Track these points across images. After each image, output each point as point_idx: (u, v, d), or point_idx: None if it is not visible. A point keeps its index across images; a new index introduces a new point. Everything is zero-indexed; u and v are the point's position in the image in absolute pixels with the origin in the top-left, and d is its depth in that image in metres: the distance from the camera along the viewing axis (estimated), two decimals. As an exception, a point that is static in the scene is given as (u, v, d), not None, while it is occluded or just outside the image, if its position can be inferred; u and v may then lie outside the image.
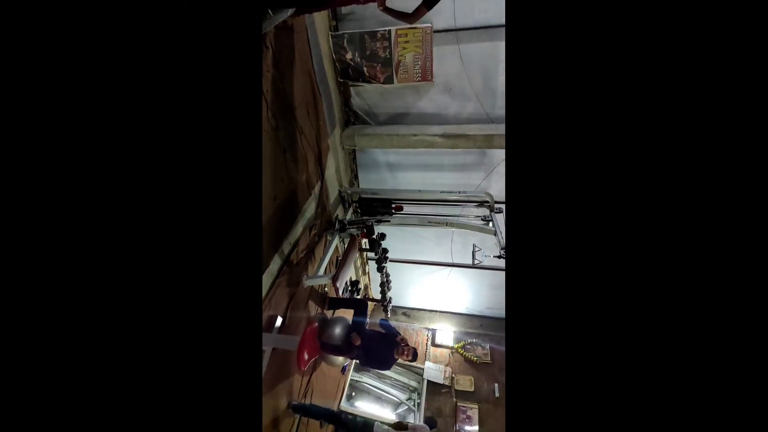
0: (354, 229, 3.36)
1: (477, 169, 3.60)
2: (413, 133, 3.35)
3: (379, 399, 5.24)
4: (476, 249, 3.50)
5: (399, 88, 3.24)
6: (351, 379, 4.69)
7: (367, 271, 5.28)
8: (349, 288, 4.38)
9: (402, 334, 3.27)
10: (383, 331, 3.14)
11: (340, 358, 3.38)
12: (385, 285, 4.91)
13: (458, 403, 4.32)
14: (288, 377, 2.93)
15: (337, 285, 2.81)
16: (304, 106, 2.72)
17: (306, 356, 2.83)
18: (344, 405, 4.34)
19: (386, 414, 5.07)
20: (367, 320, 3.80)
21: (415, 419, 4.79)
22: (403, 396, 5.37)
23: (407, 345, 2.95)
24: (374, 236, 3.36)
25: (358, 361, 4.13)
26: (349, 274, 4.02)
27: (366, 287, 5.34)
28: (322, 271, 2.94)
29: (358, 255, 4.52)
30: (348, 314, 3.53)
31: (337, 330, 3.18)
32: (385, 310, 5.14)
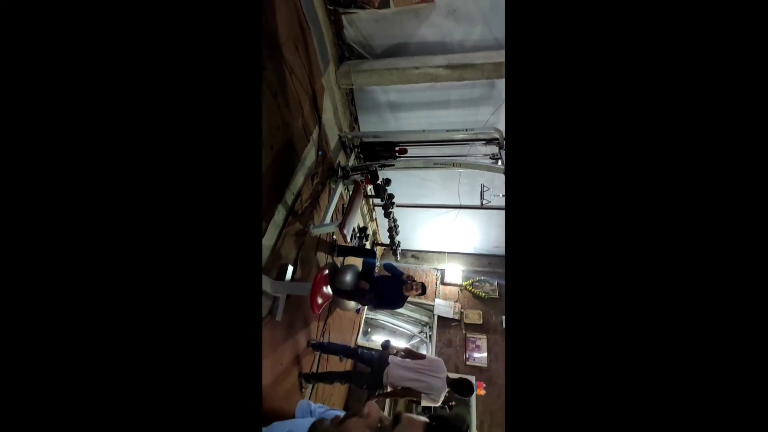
0: (358, 176, 3.26)
1: (485, 104, 3.35)
2: (415, 65, 3.06)
3: (394, 333, 5.62)
4: (485, 189, 3.40)
5: (396, 14, 2.89)
6: (366, 317, 4.96)
7: (374, 217, 5.29)
8: (357, 235, 4.41)
9: (407, 273, 3.37)
10: (389, 275, 3.25)
11: (353, 303, 3.53)
12: (393, 230, 4.93)
13: (467, 335, 4.58)
14: (305, 320, 3.09)
15: (344, 232, 2.80)
16: (291, 42, 2.46)
17: (319, 300, 2.94)
18: (361, 340, 4.66)
19: (401, 345, 5.48)
20: (376, 265, 3.89)
21: (428, 350, 5.14)
22: (415, 330, 5.74)
23: (414, 281, 3.01)
24: (379, 182, 3.27)
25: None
26: (356, 221, 4.01)
27: (374, 233, 5.39)
28: (328, 219, 2.92)
29: (363, 201, 4.48)
30: (358, 262, 3.60)
31: (347, 277, 3.27)
32: (395, 254, 5.24)
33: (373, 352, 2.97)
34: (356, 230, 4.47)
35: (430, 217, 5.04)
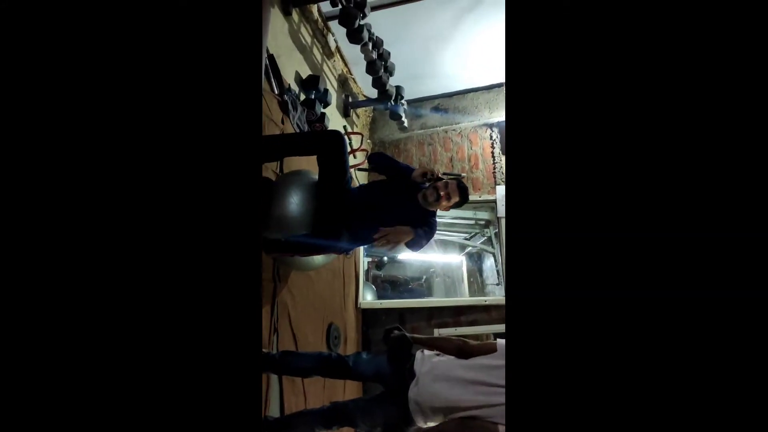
0: None
1: None
2: None
3: (433, 246, 3.40)
4: None
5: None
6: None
7: (334, 52, 2.44)
8: (298, 94, 1.99)
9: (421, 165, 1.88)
10: (383, 178, 1.65)
11: (320, 257, 1.68)
12: (379, 66, 2.22)
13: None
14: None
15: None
16: None
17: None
18: (368, 299, 2.54)
19: (454, 260, 3.35)
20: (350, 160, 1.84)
21: (496, 268, 3.04)
22: (467, 234, 3.45)
23: (436, 180, 1.51)
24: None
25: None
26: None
27: (344, 80, 2.61)
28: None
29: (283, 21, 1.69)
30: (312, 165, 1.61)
31: (291, 203, 1.46)
32: (396, 117, 2.55)
33: (379, 358, 1.48)
34: (296, 90, 1.98)
35: (438, 13, 2.17)
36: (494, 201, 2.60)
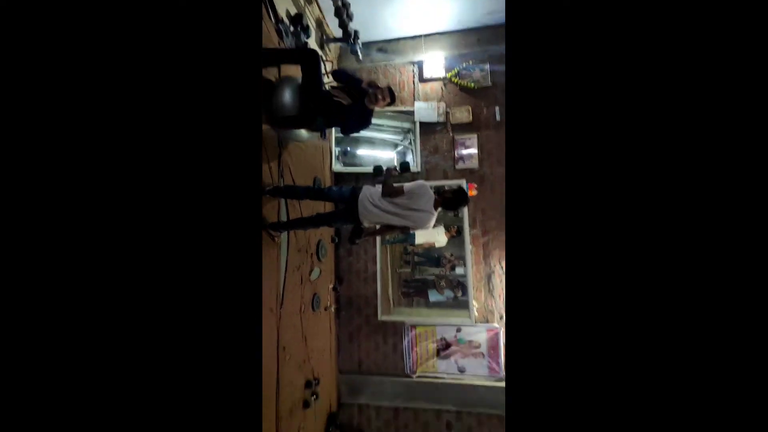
0: None
1: None
2: None
3: (375, 145, 5.09)
4: None
5: None
6: (338, 136, 4.28)
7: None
8: (291, 29, 3.12)
9: (367, 79, 2.51)
10: (342, 85, 2.50)
11: (303, 131, 2.77)
12: (342, 12, 3.51)
13: (455, 137, 4.02)
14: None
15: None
16: None
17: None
18: (337, 167, 4.17)
19: (387, 155, 5.06)
20: (324, 72, 2.86)
21: (413, 159, 4.76)
22: (398, 137, 5.16)
23: (377, 87, 2.35)
24: None
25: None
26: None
27: (319, 22, 3.91)
28: None
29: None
30: (296, 72, 2.58)
31: (285, 95, 2.40)
32: (354, 53, 3.97)
33: (343, 188, 2.47)
34: (287, 22, 3.13)
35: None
36: (413, 111, 4.27)
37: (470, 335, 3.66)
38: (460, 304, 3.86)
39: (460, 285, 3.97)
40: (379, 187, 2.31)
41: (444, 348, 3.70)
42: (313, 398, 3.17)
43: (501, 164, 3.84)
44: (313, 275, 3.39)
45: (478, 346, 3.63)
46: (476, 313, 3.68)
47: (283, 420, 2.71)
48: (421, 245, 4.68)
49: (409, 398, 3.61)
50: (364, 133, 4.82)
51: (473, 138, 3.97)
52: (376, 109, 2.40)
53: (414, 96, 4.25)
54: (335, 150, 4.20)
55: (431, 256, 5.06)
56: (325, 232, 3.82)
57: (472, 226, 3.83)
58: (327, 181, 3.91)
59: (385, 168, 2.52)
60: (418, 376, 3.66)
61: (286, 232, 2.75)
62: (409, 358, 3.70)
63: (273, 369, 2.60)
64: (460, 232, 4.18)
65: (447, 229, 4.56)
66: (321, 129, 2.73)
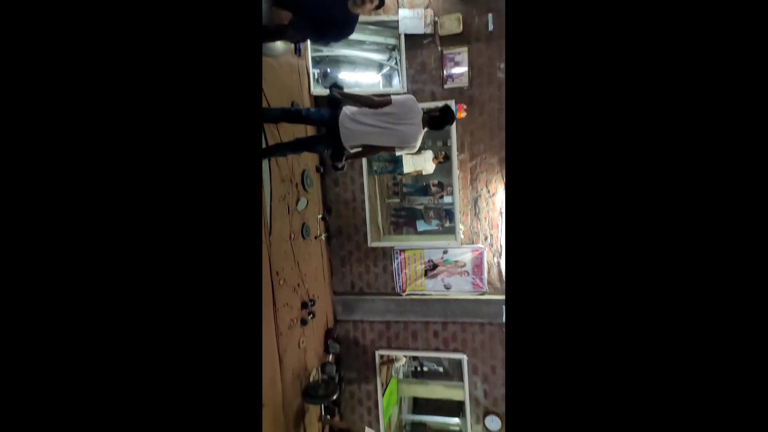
0: None
1: None
2: None
3: (358, 66, 4.68)
4: None
5: None
6: (315, 55, 3.91)
7: None
8: None
9: None
10: None
11: (278, 44, 2.49)
12: None
13: (444, 51, 3.70)
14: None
15: None
16: None
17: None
18: (317, 89, 3.87)
19: (372, 79, 4.70)
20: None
21: (399, 80, 4.44)
22: (383, 57, 4.72)
23: None
24: None
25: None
26: None
27: None
28: None
29: None
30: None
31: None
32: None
33: (322, 110, 2.26)
34: None
35: None
36: (397, 22, 3.84)
37: (456, 256, 3.84)
38: (448, 230, 3.95)
39: (448, 214, 4.02)
40: (361, 112, 2.12)
41: (431, 269, 3.90)
42: (310, 317, 3.41)
43: (491, 82, 3.60)
44: (300, 205, 3.37)
45: (464, 266, 3.83)
46: (462, 236, 3.81)
47: (283, 335, 2.94)
48: (409, 173, 4.63)
49: (400, 314, 3.92)
50: (344, 53, 4.40)
51: (464, 53, 3.65)
52: (361, 15, 2.15)
53: (398, 3, 3.78)
54: (314, 72, 3.86)
55: (419, 185, 5.05)
56: (310, 161, 3.71)
57: (459, 150, 3.75)
58: (306, 103, 3.67)
59: (334, 86, 2.26)
60: (408, 294, 3.91)
61: (266, 159, 2.64)
62: (399, 279, 3.92)
63: (268, 292, 2.74)
64: (447, 158, 4.11)
65: (435, 155, 4.47)
66: (298, 36, 2.41)
